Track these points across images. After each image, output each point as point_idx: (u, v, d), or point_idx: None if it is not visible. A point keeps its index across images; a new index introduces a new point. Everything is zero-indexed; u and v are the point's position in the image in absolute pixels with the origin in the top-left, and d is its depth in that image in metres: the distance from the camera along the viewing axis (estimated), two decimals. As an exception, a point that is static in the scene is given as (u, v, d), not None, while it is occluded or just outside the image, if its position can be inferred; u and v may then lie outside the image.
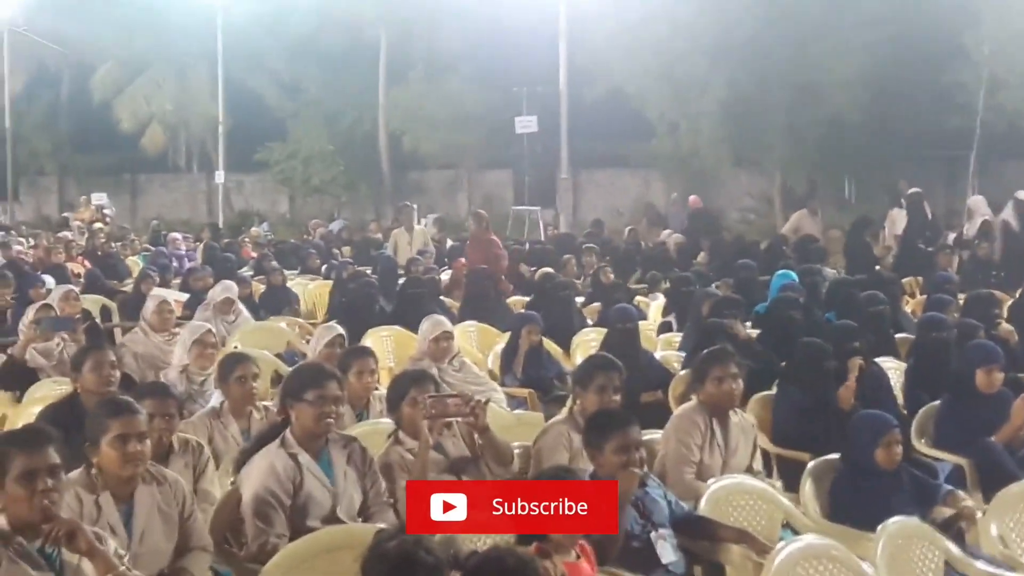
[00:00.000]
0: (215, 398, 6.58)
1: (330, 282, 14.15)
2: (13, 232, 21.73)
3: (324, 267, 16.54)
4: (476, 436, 5.56)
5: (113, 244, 19.22)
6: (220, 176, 29.21)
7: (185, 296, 12.02)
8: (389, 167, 32.49)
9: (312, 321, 12.00)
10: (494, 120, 26.64)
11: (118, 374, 6.34)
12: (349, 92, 32.26)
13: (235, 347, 8.88)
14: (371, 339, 9.60)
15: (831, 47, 22.66)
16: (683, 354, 9.05)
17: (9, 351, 8.56)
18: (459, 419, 5.50)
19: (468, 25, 27.26)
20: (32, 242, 19.33)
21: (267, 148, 33.21)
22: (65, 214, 29.26)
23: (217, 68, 28.72)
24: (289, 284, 14.22)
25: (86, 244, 18.74)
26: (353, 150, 32.77)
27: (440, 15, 27.87)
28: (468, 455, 5.58)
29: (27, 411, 6.83)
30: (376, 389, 6.89)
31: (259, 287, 13.67)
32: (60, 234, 20.22)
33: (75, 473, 4.42)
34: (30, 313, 8.50)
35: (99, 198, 29.39)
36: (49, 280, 12.45)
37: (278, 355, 9.28)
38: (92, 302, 12.06)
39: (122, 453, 4.48)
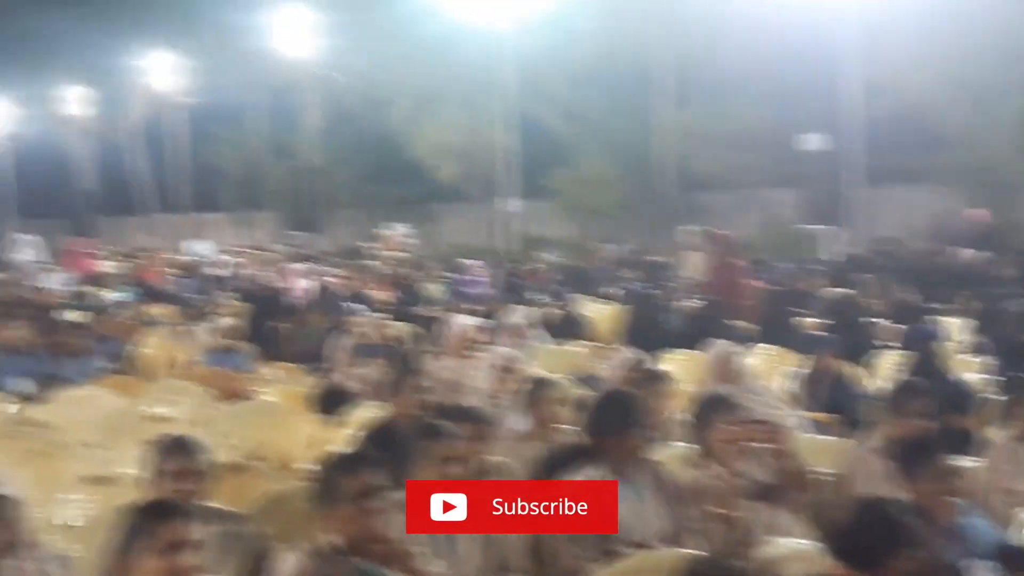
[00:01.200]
0: (519, 421, 6.68)
1: (619, 305, 14.18)
2: (322, 262, 22.72)
3: (613, 290, 16.58)
4: (778, 463, 5.45)
5: (414, 271, 19.87)
6: (510, 204, 29.77)
7: (483, 322, 12.28)
8: (673, 189, 32.38)
9: (604, 344, 12.03)
10: (779, 138, 26.14)
11: (431, 399, 6.52)
12: (632, 116, 32.34)
13: (532, 371, 9.02)
14: (666, 362, 9.57)
15: None
16: (992, 377, 8.64)
17: (327, 377, 8.94)
18: (763, 445, 5.41)
19: (753, 44, 26.83)
20: (340, 271, 20.16)
21: (553, 175, 33.71)
22: (368, 243, 30.46)
23: (506, 99, 29.29)
24: (579, 308, 14.34)
25: (390, 272, 19.41)
26: (637, 173, 32.77)
27: (724, 36, 27.54)
28: (772, 481, 5.47)
29: (346, 435, 7.10)
30: (674, 413, 6.84)
31: (551, 311, 13.83)
32: (364, 263, 20.99)
33: (398, 495, 4.54)
34: (345, 341, 8.83)
35: (399, 227, 30.49)
36: (358, 308, 12.97)
37: (572, 378, 9.35)
38: (400, 329, 12.53)
39: (443, 476, 4.59)
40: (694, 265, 16.14)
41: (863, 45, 22.30)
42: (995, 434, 6.08)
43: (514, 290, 15.18)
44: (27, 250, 28.53)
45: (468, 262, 21.11)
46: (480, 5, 28.08)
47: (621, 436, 5.03)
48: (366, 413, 7.50)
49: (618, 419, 5.07)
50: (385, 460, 4.23)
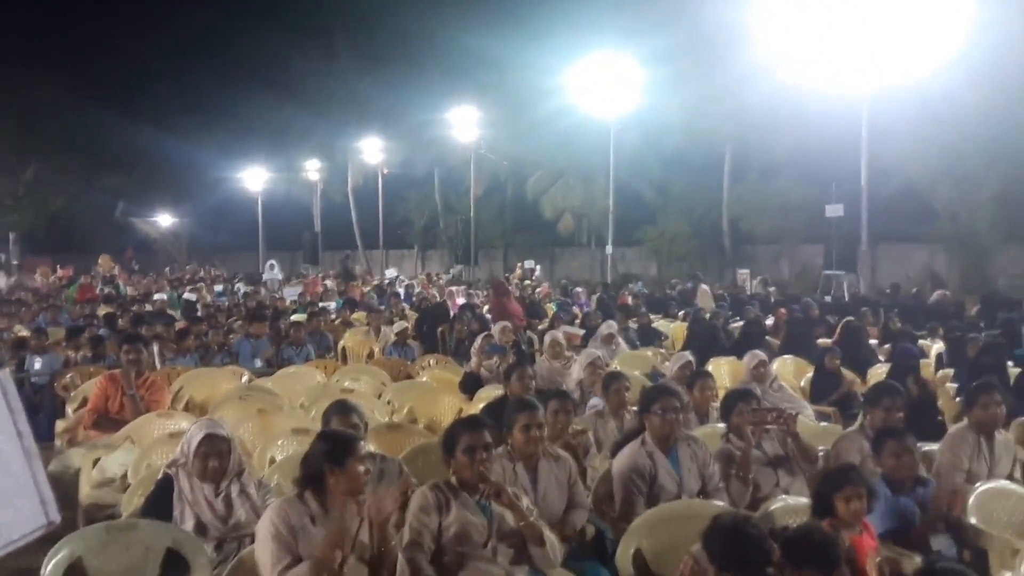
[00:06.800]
0: (599, 403, 6.63)
1: (685, 323, 14.03)
2: (474, 286, 22.97)
3: (682, 312, 16.38)
4: (789, 440, 5.31)
5: (537, 295, 19.90)
6: (609, 249, 29.78)
7: (582, 331, 12.22)
8: (730, 243, 32.11)
9: (672, 351, 11.87)
10: (811, 207, 25.61)
11: (534, 383, 6.50)
12: (704, 188, 32.28)
13: (615, 368, 8.93)
14: (712, 365, 9.42)
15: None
16: (954, 384, 8.28)
17: (466, 366, 8.99)
18: (775, 427, 5.29)
19: (794, 137, 26.48)
20: (485, 293, 20.32)
21: (642, 229, 33.71)
22: (506, 274, 30.68)
23: (610, 174, 29.34)
24: (656, 324, 14.20)
25: (520, 294, 19.48)
26: (704, 231, 32.68)
27: (774, 130, 27.20)
28: (782, 454, 5.32)
29: (475, 407, 7.12)
30: (714, 402, 6.70)
31: (633, 326, 13.71)
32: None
33: (500, 449, 4.53)
34: (478, 341, 8.87)
35: (529, 263, 30.66)
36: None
37: (646, 374, 9.24)
38: (521, 335, 12.48)
39: (526, 437, 4.56)
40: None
41: (876, 139, 21.72)
42: (953, 427, 5.78)
43: (607, 310, 15.02)
44: (273, 271, 29.43)
45: (577, 289, 21.06)
46: (595, 105, 28.15)
47: (660, 416, 4.94)
48: (491, 393, 7.53)
49: (656, 403, 4.98)
50: (491, 424, 4.22)
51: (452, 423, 4.35)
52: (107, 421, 6.82)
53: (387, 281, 26.05)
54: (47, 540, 3.10)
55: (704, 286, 18.99)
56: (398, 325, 12.41)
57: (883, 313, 13.74)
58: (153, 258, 45.35)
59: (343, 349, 12.31)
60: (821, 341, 11.38)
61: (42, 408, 8.77)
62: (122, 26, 46.35)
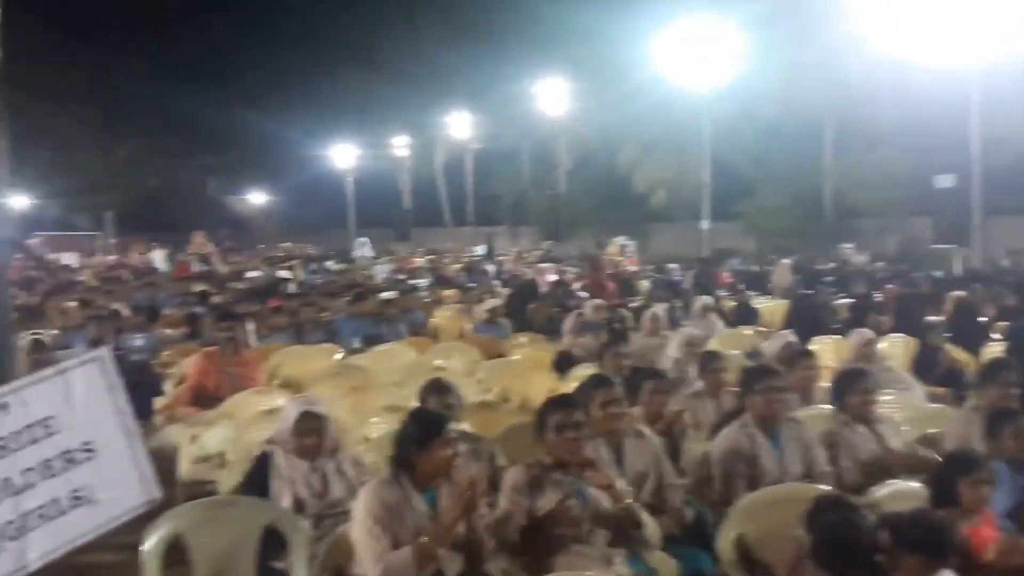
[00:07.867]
0: (696, 383, 6.51)
1: (786, 302, 13.70)
2: (564, 263, 22.90)
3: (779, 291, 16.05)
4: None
5: (630, 270, 19.72)
6: (705, 224, 29.30)
7: (677, 309, 12.04)
8: (831, 217, 31.30)
9: (770, 330, 11.61)
10: (917, 178, 24.77)
11: (628, 362, 6.43)
12: (803, 160, 31.50)
13: (709, 347, 8.77)
14: (816, 345, 9.15)
15: None
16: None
17: (560, 344, 8.95)
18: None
19: (899, 105, 25.57)
20: (577, 270, 20.24)
21: (739, 203, 33.10)
22: (598, 250, 30.54)
23: (704, 146, 28.82)
24: (754, 303, 13.92)
25: (613, 271, 19.35)
26: (805, 204, 31.91)
27: (877, 99, 26.33)
28: (894, 438, 5.13)
29: (568, 386, 7.07)
30: (817, 382, 6.51)
31: (731, 304, 13.48)
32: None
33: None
34: (569, 320, 8.84)
35: (622, 240, 30.40)
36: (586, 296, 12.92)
37: (745, 354, 9.06)
38: (615, 312, 12.38)
39: (604, 414, 4.50)
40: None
41: (987, 106, 20.76)
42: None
43: (703, 287, 14.80)
44: (364, 249, 29.91)
45: (670, 265, 20.81)
46: (688, 74, 27.63)
47: (763, 397, 4.81)
48: (585, 371, 7.46)
49: (756, 384, 4.86)
50: (582, 403, 4.18)
51: (543, 402, 4.32)
52: (204, 398, 7.03)
53: (477, 258, 26.20)
54: (147, 516, 3.20)
55: (785, 261, 18.49)
56: (489, 303, 12.43)
57: (998, 289, 13.18)
58: (247, 236, 46.57)
59: (434, 327, 12.40)
60: (931, 318, 10.99)
61: (142, 386, 9.05)
62: (213, 5, 47.59)
